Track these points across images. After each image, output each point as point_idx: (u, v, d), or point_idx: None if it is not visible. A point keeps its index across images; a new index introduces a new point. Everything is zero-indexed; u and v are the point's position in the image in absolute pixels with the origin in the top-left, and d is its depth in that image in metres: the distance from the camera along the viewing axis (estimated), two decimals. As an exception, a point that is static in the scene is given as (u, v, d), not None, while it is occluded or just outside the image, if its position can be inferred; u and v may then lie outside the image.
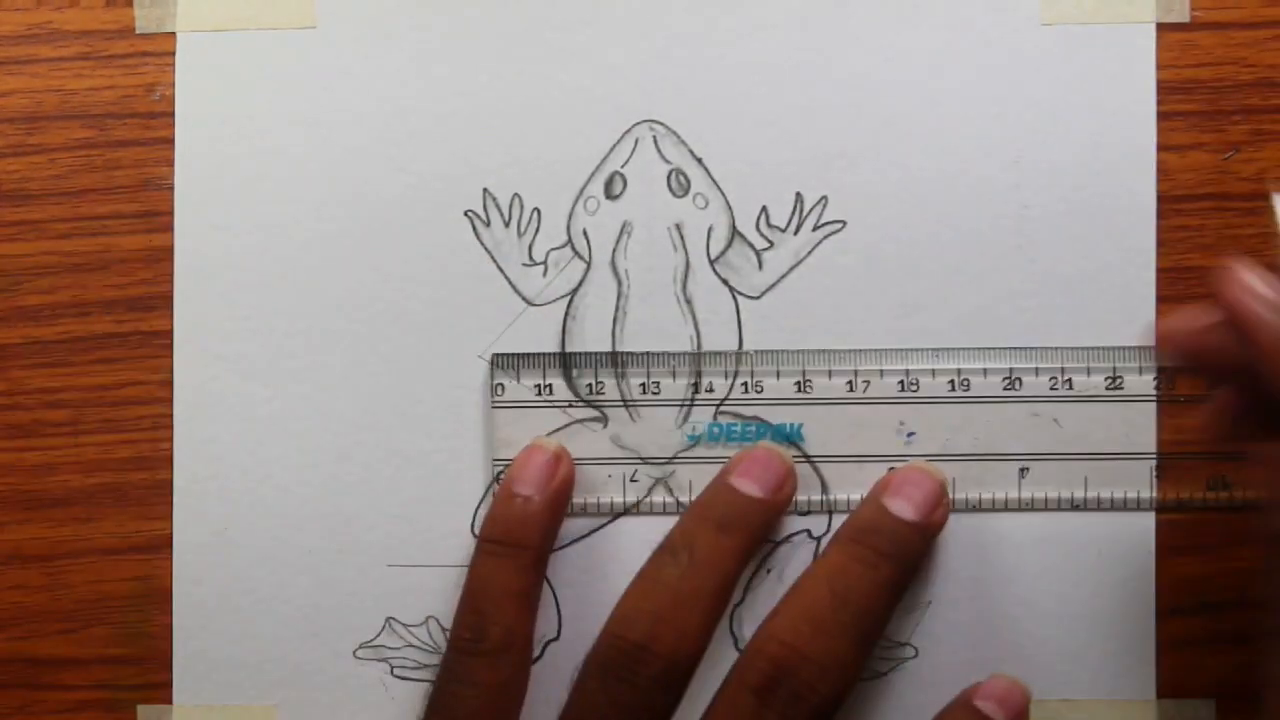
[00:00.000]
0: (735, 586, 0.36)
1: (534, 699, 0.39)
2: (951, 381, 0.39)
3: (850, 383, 0.39)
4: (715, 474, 0.38)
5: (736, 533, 0.36)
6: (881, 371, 0.39)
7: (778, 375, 0.39)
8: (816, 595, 0.35)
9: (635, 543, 0.39)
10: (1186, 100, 0.39)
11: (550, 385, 0.39)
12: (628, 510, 0.39)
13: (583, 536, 0.39)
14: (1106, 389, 0.38)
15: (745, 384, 0.39)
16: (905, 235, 0.39)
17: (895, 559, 0.36)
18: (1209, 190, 0.39)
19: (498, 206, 0.40)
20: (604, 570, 0.39)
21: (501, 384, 0.39)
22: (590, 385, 0.39)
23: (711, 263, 0.39)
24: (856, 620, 0.35)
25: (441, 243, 0.40)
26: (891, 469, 0.38)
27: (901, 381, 0.39)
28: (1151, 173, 0.39)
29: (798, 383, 0.39)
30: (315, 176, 0.40)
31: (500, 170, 0.40)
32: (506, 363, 0.39)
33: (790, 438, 0.39)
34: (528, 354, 0.39)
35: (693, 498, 0.39)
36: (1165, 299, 0.39)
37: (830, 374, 0.39)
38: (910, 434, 0.39)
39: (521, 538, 0.37)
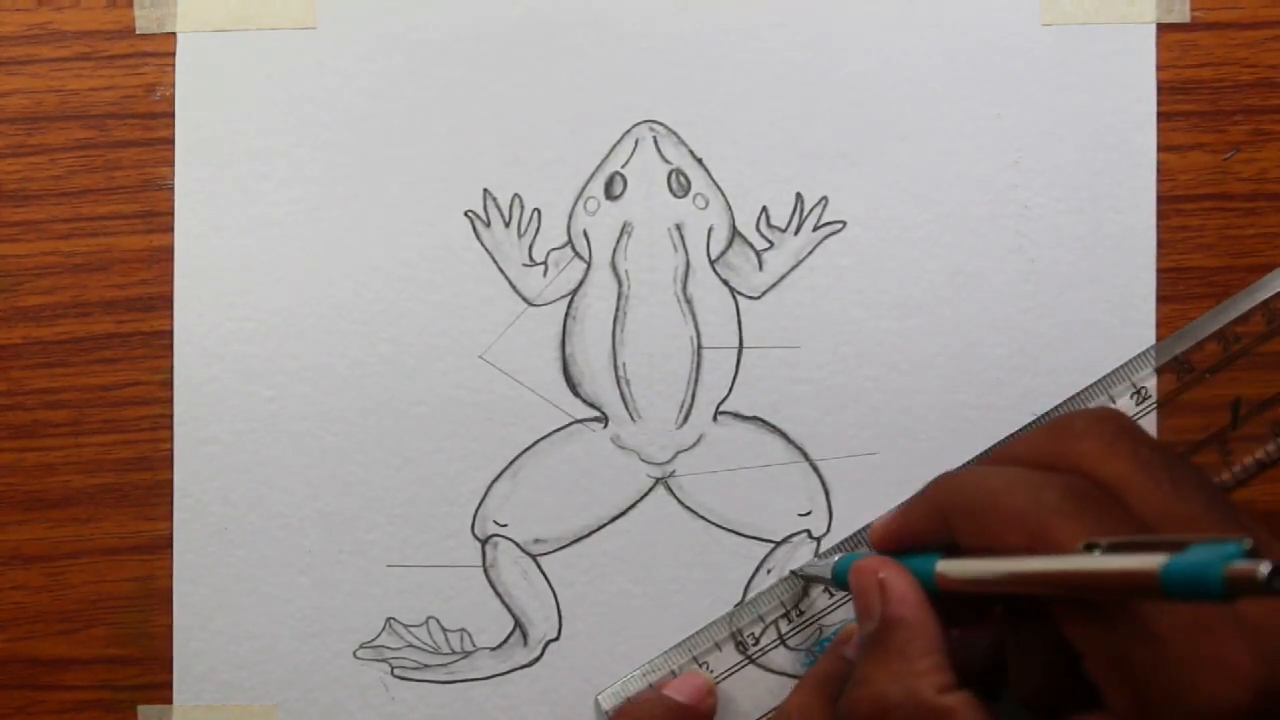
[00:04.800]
0: None
1: (534, 699, 0.39)
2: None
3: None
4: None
5: None
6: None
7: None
8: None
9: (635, 543, 0.39)
10: (1186, 100, 0.39)
11: None
12: (627, 511, 0.39)
13: (583, 537, 0.39)
14: None
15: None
16: (905, 235, 0.39)
17: None
18: (1209, 190, 0.39)
19: (498, 207, 0.40)
20: (603, 570, 0.39)
21: None
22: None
23: (712, 263, 0.39)
24: None
25: (441, 243, 0.40)
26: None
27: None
28: (1151, 173, 0.39)
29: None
30: (315, 176, 0.40)
31: (500, 170, 0.40)
32: None
33: None
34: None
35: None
36: (1165, 299, 0.39)
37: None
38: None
39: None
